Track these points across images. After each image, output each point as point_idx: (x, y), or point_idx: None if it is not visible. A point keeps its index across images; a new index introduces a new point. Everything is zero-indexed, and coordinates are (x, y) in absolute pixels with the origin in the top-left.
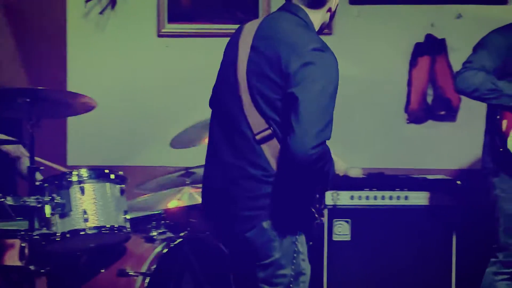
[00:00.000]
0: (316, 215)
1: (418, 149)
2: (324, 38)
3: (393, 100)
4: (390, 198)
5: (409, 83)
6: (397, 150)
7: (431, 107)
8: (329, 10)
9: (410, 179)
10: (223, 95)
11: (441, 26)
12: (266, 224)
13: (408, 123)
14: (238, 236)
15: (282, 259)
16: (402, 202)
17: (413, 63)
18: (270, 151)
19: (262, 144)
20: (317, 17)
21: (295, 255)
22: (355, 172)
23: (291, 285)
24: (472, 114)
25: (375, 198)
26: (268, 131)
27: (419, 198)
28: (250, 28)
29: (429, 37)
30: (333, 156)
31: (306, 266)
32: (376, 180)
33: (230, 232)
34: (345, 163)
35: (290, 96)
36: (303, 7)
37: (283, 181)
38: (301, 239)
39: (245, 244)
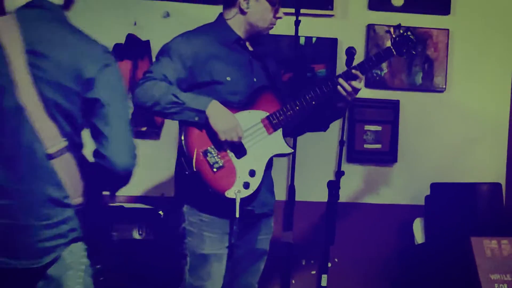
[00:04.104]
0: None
1: None
2: None
3: None
4: None
5: None
6: None
7: (131, 122)
8: None
9: (103, 208)
10: None
11: (145, 25)
12: (65, 253)
13: None
14: (37, 272)
15: (76, 284)
16: None
17: None
18: (64, 167)
19: (54, 159)
20: None
21: (84, 274)
22: None
23: None
24: (177, 131)
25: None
26: (63, 144)
27: (114, 230)
28: (9, 30)
29: (130, 37)
30: None
31: (90, 282)
32: None
33: (25, 269)
34: None
35: (93, 103)
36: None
37: (87, 199)
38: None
39: (43, 279)
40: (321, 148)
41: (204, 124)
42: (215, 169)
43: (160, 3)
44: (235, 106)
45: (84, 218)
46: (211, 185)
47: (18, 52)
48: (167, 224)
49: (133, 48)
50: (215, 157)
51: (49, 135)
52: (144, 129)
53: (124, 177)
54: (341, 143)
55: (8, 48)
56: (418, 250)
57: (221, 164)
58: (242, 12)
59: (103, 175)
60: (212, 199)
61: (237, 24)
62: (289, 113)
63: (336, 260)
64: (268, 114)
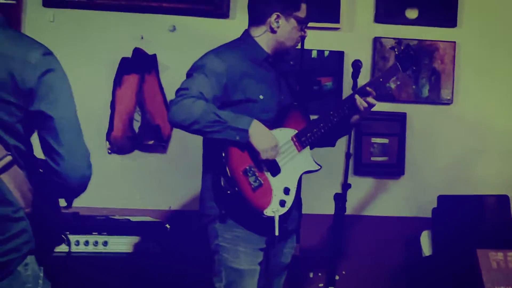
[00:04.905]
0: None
1: (121, 185)
2: None
3: (93, 125)
4: (86, 243)
5: (113, 106)
6: (96, 185)
7: (138, 135)
8: None
9: (110, 221)
10: None
11: (152, 39)
12: (21, 267)
13: (110, 153)
14: None
15: None
16: (100, 248)
17: (118, 82)
18: (13, 181)
19: (2, 174)
20: None
21: (43, 284)
22: None
23: None
24: (185, 145)
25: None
26: (8, 158)
27: (120, 244)
28: None
29: (137, 51)
30: None
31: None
32: (70, 222)
33: None
34: None
35: (39, 116)
36: None
37: (35, 211)
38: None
39: None
40: (327, 160)
41: (243, 143)
42: (254, 188)
43: (166, 17)
44: (266, 124)
45: (36, 227)
46: (251, 204)
47: None
48: (174, 238)
49: (140, 62)
50: (255, 176)
51: None
52: (151, 142)
53: (81, 188)
54: (348, 155)
55: None
56: (426, 262)
57: (259, 183)
58: (272, 30)
59: (56, 186)
60: (249, 215)
61: (265, 41)
62: (315, 130)
63: (343, 272)
64: (296, 131)
